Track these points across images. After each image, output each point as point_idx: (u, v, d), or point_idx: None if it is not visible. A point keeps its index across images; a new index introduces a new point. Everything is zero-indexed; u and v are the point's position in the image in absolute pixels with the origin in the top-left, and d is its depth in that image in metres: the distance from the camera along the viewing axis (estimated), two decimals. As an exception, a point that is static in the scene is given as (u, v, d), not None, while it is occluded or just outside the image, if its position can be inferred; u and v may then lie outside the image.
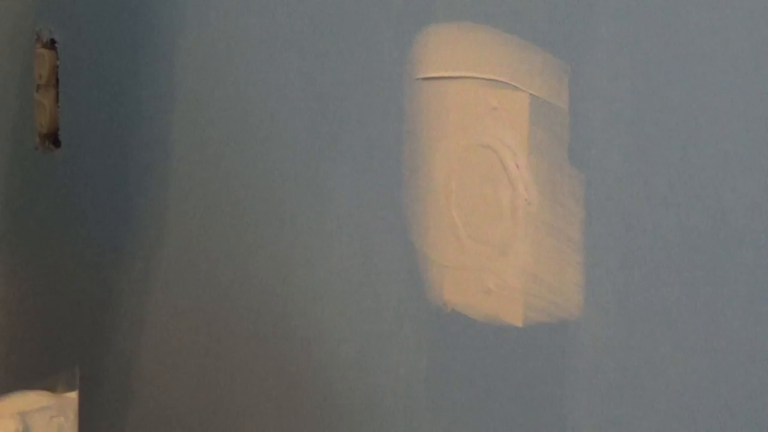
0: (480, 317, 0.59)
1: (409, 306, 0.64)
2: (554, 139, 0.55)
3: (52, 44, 1.09)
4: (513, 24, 0.57)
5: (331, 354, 0.72)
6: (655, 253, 0.51)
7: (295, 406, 0.76)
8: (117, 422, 0.98)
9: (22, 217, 1.05)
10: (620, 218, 0.52)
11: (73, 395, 0.87)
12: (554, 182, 0.55)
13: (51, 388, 0.90)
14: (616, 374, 0.53)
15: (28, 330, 1.04)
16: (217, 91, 0.83)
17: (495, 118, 0.58)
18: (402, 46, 0.64)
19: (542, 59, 0.55)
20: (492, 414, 0.59)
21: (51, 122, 1.10)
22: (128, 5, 0.95)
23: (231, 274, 0.80)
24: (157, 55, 0.91)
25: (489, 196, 0.59)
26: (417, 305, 0.64)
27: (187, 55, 0.87)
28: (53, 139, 1.11)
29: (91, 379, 0.94)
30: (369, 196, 0.67)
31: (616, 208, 0.52)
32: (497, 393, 0.59)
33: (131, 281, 0.91)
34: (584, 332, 0.54)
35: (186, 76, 0.88)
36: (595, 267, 0.53)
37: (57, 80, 1.09)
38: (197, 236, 0.78)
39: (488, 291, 0.59)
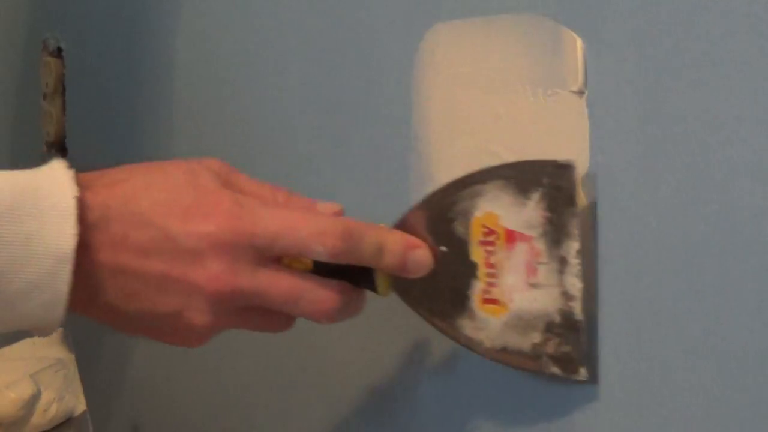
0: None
1: (413, 318, 0.64)
2: (562, 146, 0.55)
3: (58, 52, 1.10)
4: (520, 28, 0.57)
5: (334, 359, 0.72)
6: (664, 257, 0.51)
7: (294, 405, 0.76)
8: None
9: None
10: (628, 223, 0.52)
11: (70, 354, 0.89)
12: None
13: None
14: (625, 379, 0.53)
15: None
16: (222, 97, 0.84)
17: (502, 125, 0.58)
18: (408, 48, 0.64)
19: (552, 65, 0.55)
20: (498, 416, 0.59)
21: (58, 130, 1.10)
22: (135, 14, 0.96)
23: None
24: (164, 64, 0.91)
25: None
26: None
27: (192, 65, 0.87)
28: (60, 147, 1.11)
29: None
30: (375, 202, 0.67)
31: (624, 214, 0.52)
32: (503, 396, 0.59)
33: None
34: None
35: (191, 86, 0.88)
36: (604, 272, 0.53)
37: (64, 88, 1.10)
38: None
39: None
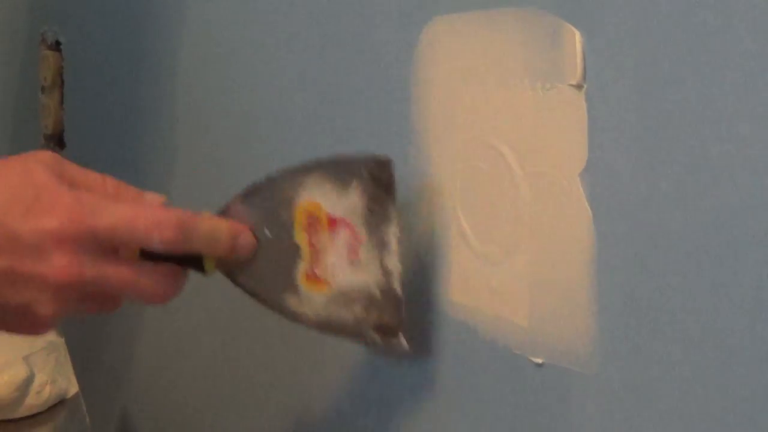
0: (485, 316, 0.59)
1: (415, 306, 0.64)
2: (561, 140, 0.55)
3: (57, 46, 1.10)
4: (519, 22, 0.57)
5: (333, 356, 0.71)
6: (662, 252, 0.51)
7: (290, 406, 0.76)
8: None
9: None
10: (627, 218, 0.52)
11: (60, 338, 0.90)
12: (560, 183, 0.55)
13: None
14: (623, 374, 0.53)
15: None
16: (220, 92, 0.83)
17: (500, 118, 0.58)
18: (407, 42, 0.64)
19: (551, 59, 0.55)
20: (499, 414, 0.59)
21: (56, 124, 1.10)
22: (134, 7, 0.96)
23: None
24: (162, 57, 0.91)
25: (494, 197, 0.58)
26: (422, 305, 0.64)
27: (191, 58, 0.87)
28: (58, 140, 1.11)
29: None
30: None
31: (623, 208, 0.52)
32: (503, 392, 0.59)
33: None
34: (590, 331, 0.54)
35: (190, 79, 0.88)
36: (602, 267, 0.53)
37: (62, 82, 1.10)
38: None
39: (494, 291, 0.59)
